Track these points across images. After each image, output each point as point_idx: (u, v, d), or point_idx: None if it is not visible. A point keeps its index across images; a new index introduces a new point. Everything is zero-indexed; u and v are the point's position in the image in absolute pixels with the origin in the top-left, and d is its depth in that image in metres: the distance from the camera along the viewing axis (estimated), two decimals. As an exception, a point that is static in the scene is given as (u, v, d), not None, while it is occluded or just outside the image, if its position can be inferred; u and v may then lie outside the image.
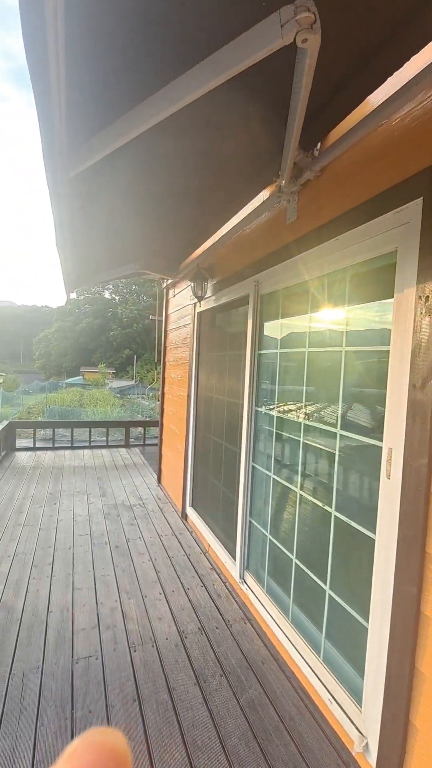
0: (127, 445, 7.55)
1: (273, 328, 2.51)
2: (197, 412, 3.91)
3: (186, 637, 2.33)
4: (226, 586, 2.89)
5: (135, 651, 2.20)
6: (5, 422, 6.70)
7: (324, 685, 1.86)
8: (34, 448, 6.98)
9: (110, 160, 1.81)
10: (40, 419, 12.73)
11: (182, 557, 3.29)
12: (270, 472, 2.49)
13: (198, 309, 3.84)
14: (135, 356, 54.42)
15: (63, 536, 3.56)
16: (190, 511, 3.95)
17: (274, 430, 2.45)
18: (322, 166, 1.91)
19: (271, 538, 2.46)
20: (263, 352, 2.60)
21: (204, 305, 3.66)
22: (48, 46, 1.07)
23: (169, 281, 4.84)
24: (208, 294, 3.50)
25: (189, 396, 4.01)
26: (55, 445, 7.20)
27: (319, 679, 1.91)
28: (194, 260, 3.62)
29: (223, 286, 3.17)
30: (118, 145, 1.32)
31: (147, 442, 7.83)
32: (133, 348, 58.09)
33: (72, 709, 1.82)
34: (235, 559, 2.86)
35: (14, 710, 1.79)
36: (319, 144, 1.95)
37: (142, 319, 59.97)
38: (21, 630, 2.32)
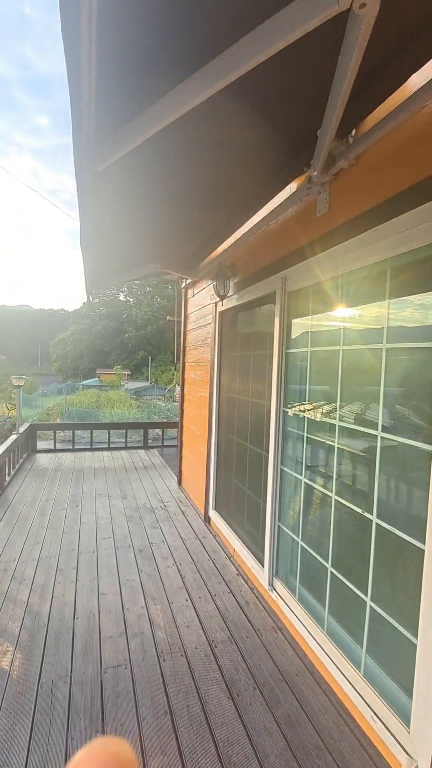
0: (145, 447, 7.53)
1: (302, 326, 2.42)
2: (220, 414, 3.83)
3: (216, 647, 2.26)
4: (254, 593, 2.80)
5: (164, 660, 2.13)
6: (27, 424, 6.76)
7: (365, 702, 1.76)
8: (54, 450, 7.02)
9: (134, 156, 1.75)
10: (59, 421, 12.87)
11: (207, 562, 3.22)
12: (301, 475, 2.40)
13: (220, 308, 3.77)
14: (150, 357, 54.76)
15: (86, 539, 3.54)
16: (213, 514, 3.87)
17: (305, 433, 2.36)
18: (358, 153, 1.81)
19: (303, 544, 2.36)
20: (292, 351, 2.51)
21: (226, 304, 3.58)
22: (81, 31, 1.01)
23: (188, 281, 4.78)
24: (231, 293, 3.43)
25: (210, 397, 3.94)
26: (75, 447, 7.23)
27: (359, 694, 1.80)
28: (215, 258, 3.55)
29: (247, 284, 3.09)
30: (149, 134, 1.26)
31: (165, 443, 7.80)
32: (148, 349, 58.46)
33: (102, 721, 1.76)
34: (263, 566, 2.77)
35: (44, 722, 1.74)
36: (354, 131, 1.85)
37: (156, 321, 60.31)
38: (48, 637, 2.28)
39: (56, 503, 4.44)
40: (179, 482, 5.28)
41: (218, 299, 3.62)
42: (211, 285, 3.93)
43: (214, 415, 3.88)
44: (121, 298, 73.09)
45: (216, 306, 3.86)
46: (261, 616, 2.55)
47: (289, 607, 2.41)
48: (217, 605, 2.65)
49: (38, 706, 1.83)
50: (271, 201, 2.61)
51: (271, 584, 2.67)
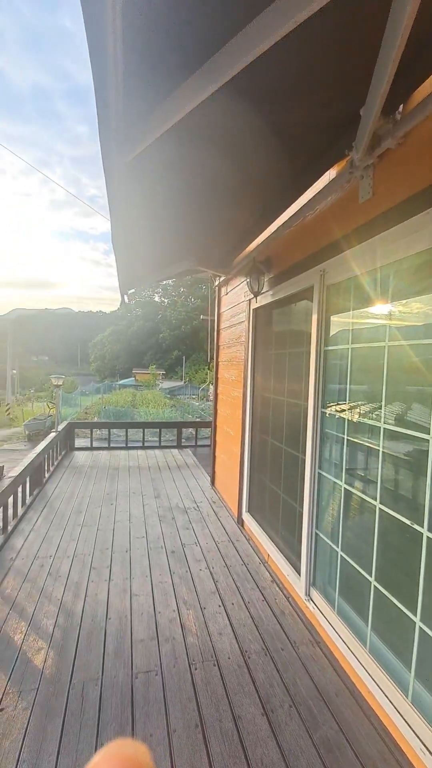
0: (179, 446, 7.54)
1: (342, 322, 2.27)
2: (253, 414, 3.73)
3: (249, 658, 2.16)
4: (289, 602, 2.68)
5: (196, 669, 2.07)
6: (65, 423, 6.97)
7: (414, 732, 1.60)
8: (91, 448, 7.18)
9: (163, 145, 1.69)
10: (96, 419, 13.23)
11: (240, 567, 3.12)
12: (341, 481, 2.25)
13: (254, 305, 3.66)
14: (184, 357, 55.32)
15: (120, 538, 3.55)
16: (246, 517, 3.78)
17: (345, 435, 2.21)
18: (406, 131, 1.64)
19: (343, 554, 2.21)
20: (331, 348, 2.37)
21: (260, 301, 3.47)
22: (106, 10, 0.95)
23: (222, 278, 4.71)
24: (265, 289, 3.31)
25: (244, 397, 3.84)
26: (111, 445, 7.37)
27: (406, 722, 1.65)
28: (249, 254, 3.44)
29: (282, 280, 2.96)
30: (178, 117, 1.18)
31: (199, 443, 7.79)
32: (182, 349, 59.10)
33: (132, 729, 1.72)
34: (299, 574, 2.64)
35: (74, 725, 1.72)
36: (401, 107, 1.69)
37: (190, 321, 60.86)
38: (81, 637, 2.28)
39: (92, 500, 4.51)
40: (212, 483, 5.22)
41: (252, 296, 3.51)
42: (245, 282, 3.83)
43: (247, 416, 3.78)
44: (156, 299, 74.39)
45: (250, 303, 3.75)
46: (297, 628, 2.43)
47: (328, 621, 2.28)
48: (251, 613, 2.56)
49: (69, 707, 1.82)
50: (308, 191, 2.48)
51: (308, 594, 2.54)
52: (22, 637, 2.27)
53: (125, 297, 4.51)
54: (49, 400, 15.45)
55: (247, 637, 2.33)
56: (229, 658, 2.15)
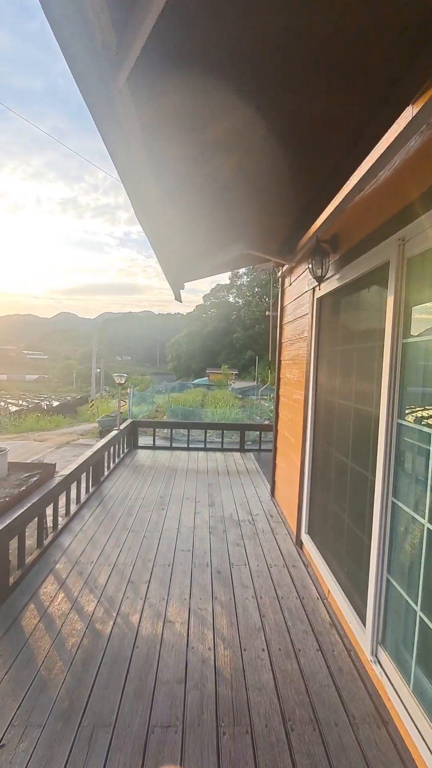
0: (242, 450, 7.18)
1: (430, 306, 1.70)
2: (316, 420, 3.22)
3: (292, 730, 1.72)
4: (350, 657, 2.16)
5: (224, 734, 1.68)
6: (129, 421, 7.03)
7: None
8: (153, 447, 7.16)
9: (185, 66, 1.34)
10: (165, 418, 13.46)
11: (294, 600, 2.66)
12: (423, 517, 1.69)
13: (317, 294, 3.15)
14: (257, 357, 54.83)
15: (164, 550, 3.29)
16: (306, 538, 3.27)
17: (431, 457, 1.65)
18: None
19: (423, 615, 1.65)
20: (413, 340, 1.81)
21: (325, 288, 2.96)
22: None
23: (285, 267, 4.23)
24: (330, 273, 2.79)
25: (306, 400, 3.34)
26: (173, 445, 7.27)
27: None
28: (312, 234, 2.95)
29: (350, 259, 2.43)
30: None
31: (263, 446, 7.33)
32: (255, 349, 58.66)
33: (136, 808, 1.40)
34: (364, 625, 2.11)
35: (72, 786, 1.46)
36: None
37: (263, 321, 60.16)
38: (102, 665, 2.04)
39: (144, 504, 4.35)
40: (272, 493, 4.76)
41: (316, 283, 3.01)
42: (308, 268, 3.34)
43: (309, 422, 3.27)
44: (231, 299, 74.98)
45: (313, 292, 3.25)
46: (358, 696, 1.91)
47: (399, 695, 1.73)
48: (300, 665, 2.09)
49: (72, 755, 1.56)
50: (380, 143, 1.94)
51: (374, 653, 2.00)
52: (44, 656, 2.10)
53: (178, 293, 4.27)
54: (120, 398, 16.19)
55: (292, 698, 1.88)
56: (266, 726, 1.73)
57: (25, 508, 2.84)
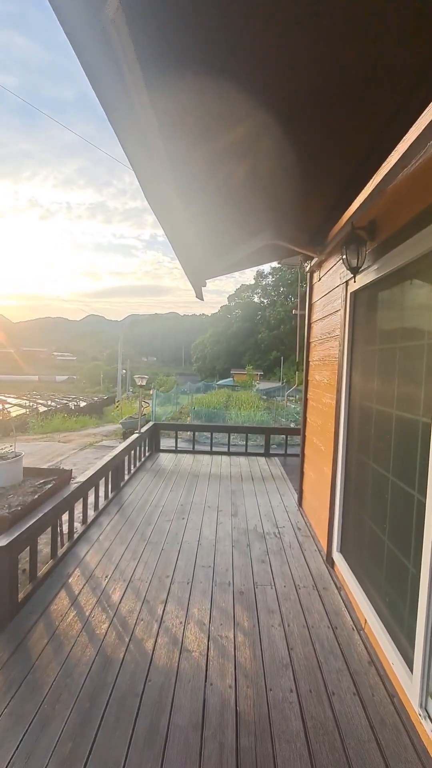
0: (266, 454, 6.88)
1: None
2: (350, 428, 2.91)
3: (328, 800, 1.45)
4: (393, 705, 1.86)
5: (246, 801, 1.44)
6: (150, 423, 6.88)
7: None
8: (175, 451, 6.98)
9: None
10: (188, 419, 13.30)
11: (326, 630, 2.37)
12: None
13: (351, 287, 2.85)
14: (282, 357, 54.11)
15: (183, 564, 3.07)
16: (338, 557, 2.97)
17: None
18: None
19: None
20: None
21: (360, 281, 2.66)
22: None
23: (314, 261, 3.94)
24: (367, 264, 2.49)
25: (338, 405, 3.04)
26: (195, 448, 7.07)
27: None
28: (347, 221, 2.66)
29: (391, 246, 2.13)
30: None
31: (289, 451, 7.01)
32: (281, 349, 57.98)
33: None
34: (411, 670, 1.81)
35: None
36: None
37: (289, 321, 59.40)
38: (111, 700, 1.84)
39: (164, 512, 4.16)
40: (299, 502, 4.46)
41: (349, 276, 2.72)
42: (341, 260, 3.05)
43: (342, 429, 2.97)
44: (255, 299, 74.54)
45: (347, 286, 2.95)
46: (405, 755, 1.62)
47: (461, 769, 1.43)
48: (335, 711, 1.82)
49: None
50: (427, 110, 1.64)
51: (423, 706, 1.70)
52: (50, 685, 1.92)
53: (201, 290, 4.05)
54: (142, 399, 16.17)
55: (326, 755, 1.61)
56: (297, 793, 1.47)
57: (37, 518, 2.69)
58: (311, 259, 4.15)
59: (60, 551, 3.13)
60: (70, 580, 2.82)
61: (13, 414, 19.29)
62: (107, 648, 2.17)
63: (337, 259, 3.25)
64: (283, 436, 7.87)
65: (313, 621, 2.46)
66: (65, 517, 3.36)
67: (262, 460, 6.63)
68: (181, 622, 2.40)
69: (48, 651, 2.14)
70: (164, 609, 2.53)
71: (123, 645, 2.20)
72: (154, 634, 2.29)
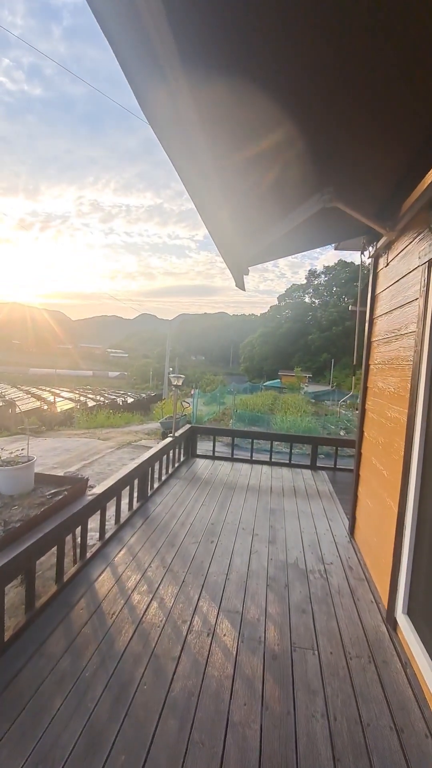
0: (313, 467, 6.16)
1: None
2: (429, 454, 2.21)
3: None
4: None
5: None
6: (187, 427, 6.44)
7: None
8: (212, 457, 6.47)
9: None
10: (230, 422, 12.75)
11: (388, 734, 1.72)
12: None
13: (436, 268, 2.15)
14: (333, 360, 51.97)
15: (206, 607, 2.54)
16: (403, 620, 2.29)
17: None
18: None
19: None
20: None
21: (452, 257, 1.96)
22: None
23: (381, 242, 3.23)
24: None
25: (411, 420, 2.34)
26: (234, 456, 6.52)
27: None
28: (429, 187, 1.99)
29: None
30: None
31: (339, 464, 6.24)
32: (332, 351, 55.78)
33: None
34: None
35: None
36: None
37: (342, 322, 56.97)
38: None
39: (191, 531, 3.65)
40: (351, 532, 3.76)
41: (435, 252, 2.03)
42: (418, 238, 2.38)
43: (416, 453, 2.28)
44: (306, 300, 72.60)
45: (428, 268, 2.25)
46: None
47: None
48: None
49: None
50: None
51: None
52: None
53: (243, 279, 3.50)
54: (181, 400, 15.87)
55: None
56: None
57: (36, 538, 2.30)
58: (375, 242, 3.44)
59: (66, 576, 2.73)
60: (71, 614, 2.40)
61: (62, 408, 19.93)
62: (100, 720, 1.70)
63: (414, 236, 2.54)
64: (332, 448, 7.09)
65: (370, 716, 1.81)
66: (81, 529, 2.97)
67: (308, 473, 5.92)
68: (193, 695, 1.87)
69: (25, 720, 1.71)
70: (175, 671, 2.01)
71: (116, 723, 1.71)
72: (157, 711, 1.78)
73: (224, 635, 2.29)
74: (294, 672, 2.04)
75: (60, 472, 6.85)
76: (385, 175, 2.36)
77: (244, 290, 3.62)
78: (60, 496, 2.89)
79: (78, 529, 2.97)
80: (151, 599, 2.58)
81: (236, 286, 3.43)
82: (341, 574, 3.04)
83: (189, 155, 1.57)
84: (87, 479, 3.20)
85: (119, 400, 28.07)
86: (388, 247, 3.17)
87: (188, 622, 2.38)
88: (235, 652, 2.16)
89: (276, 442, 7.59)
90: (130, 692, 1.87)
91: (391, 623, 2.44)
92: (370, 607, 2.65)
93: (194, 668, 2.04)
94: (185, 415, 11.33)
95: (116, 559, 3.08)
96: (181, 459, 6.16)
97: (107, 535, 3.37)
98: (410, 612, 2.28)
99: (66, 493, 2.94)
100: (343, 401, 22.25)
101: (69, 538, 2.93)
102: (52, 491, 2.99)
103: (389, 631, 2.41)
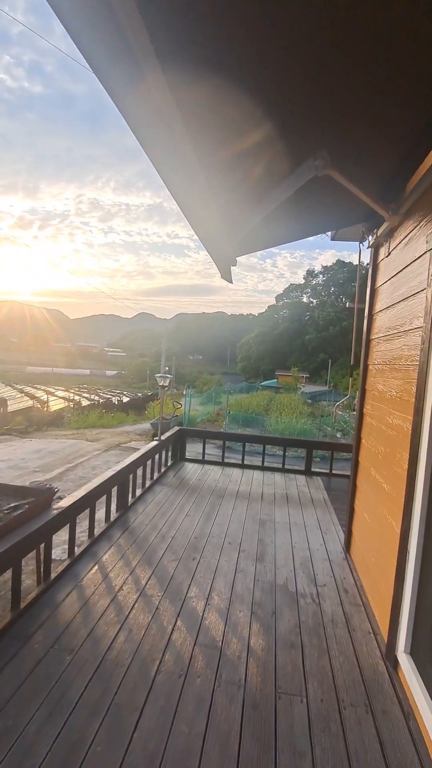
0: (307, 472, 5.86)
1: None
2: (435, 469, 1.90)
3: None
4: None
5: None
6: (175, 429, 6.12)
7: None
8: (202, 461, 6.15)
9: None
10: (224, 424, 12.43)
11: None
12: None
13: (448, 253, 1.84)
14: (330, 360, 51.78)
15: (180, 642, 2.22)
16: (405, 661, 1.98)
17: None
18: None
19: None
20: None
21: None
22: None
23: (383, 228, 2.92)
24: None
25: (416, 429, 2.03)
26: (225, 460, 6.20)
27: None
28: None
29: None
30: None
31: (334, 470, 5.95)
32: (329, 352, 55.63)
33: None
34: None
35: None
36: None
37: (339, 322, 56.83)
38: None
39: (171, 547, 3.32)
40: (346, 547, 3.45)
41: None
42: (425, 220, 2.07)
43: (423, 467, 1.97)
44: (304, 299, 72.43)
45: (438, 253, 1.94)
46: None
47: None
48: None
49: None
50: None
51: None
52: None
53: (231, 271, 3.18)
54: (176, 400, 15.52)
55: None
56: None
57: (-19, 564, 1.97)
58: (375, 230, 3.14)
59: (28, 599, 2.41)
60: (23, 650, 2.07)
61: (56, 407, 19.55)
62: (29, 807, 1.38)
63: (420, 219, 2.24)
64: (327, 452, 6.79)
65: (368, 788, 1.50)
66: (45, 546, 2.65)
67: (302, 479, 5.62)
68: (154, 758, 1.55)
69: None
70: (136, 727, 1.69)
71: (55, 803, 1.39)
72: (109, 784, 1.46)
73: (198, 677, 1.97)
74: (278, 727, 1.73)
75: (41, 477, 6.52)
76: (386, 148, 2.05)
77: (231, 282, 3.30)
78: (20, 510, 2.57)
79: (42, 546, 2.65)
80: (119, 630, 2.26)
81: (222, 277, 3.11)
82: (335, 599, 2.73)
83: (159, 120, 1.26)
84: (55, 490, 2.88)
85: (114, 400, 27.69)
86: (389, 234, 2.86)
87: (158, 660, 2.06)
88: (209, 700, 1.84)
89: (269, 446, 7.29)
90: (79, 755, 1.55)
91: (392, 661, 2.13)
92: (368, 639, 2.34)
93: (159, 722, 1.72)
94: (177, 416, 11.00)
95: (85, 579, 2.76)
96: (169, 463, 5.84)
97: (79, 551, 3.05)
98: (414, 652, 1.97)
99: (27, 506, 2.62)
100: (339, 404, 22.00)
101: (33, 554, 2.62)
102: (12, 504, 2.67)
103: (389, 670, 2.10)
